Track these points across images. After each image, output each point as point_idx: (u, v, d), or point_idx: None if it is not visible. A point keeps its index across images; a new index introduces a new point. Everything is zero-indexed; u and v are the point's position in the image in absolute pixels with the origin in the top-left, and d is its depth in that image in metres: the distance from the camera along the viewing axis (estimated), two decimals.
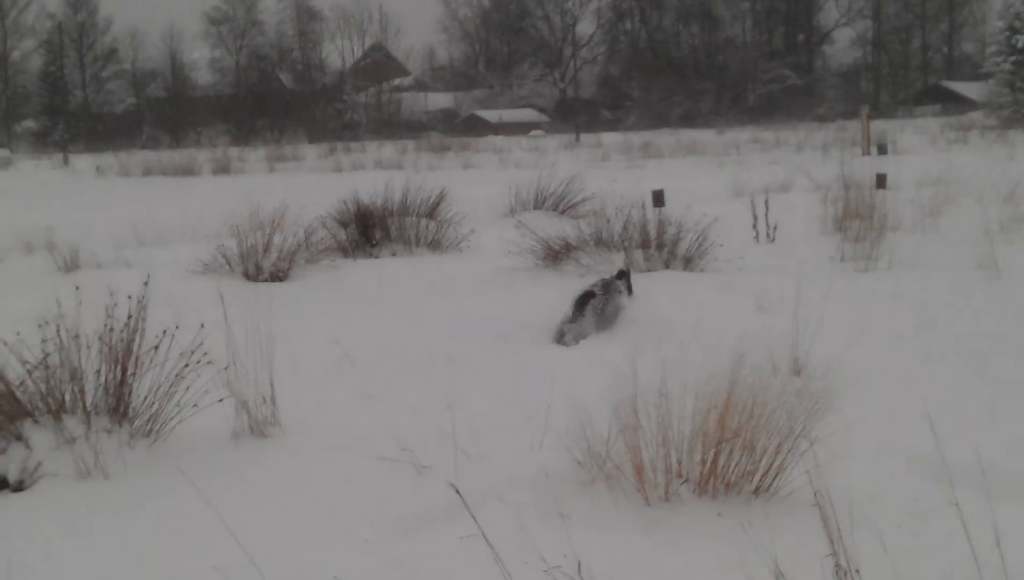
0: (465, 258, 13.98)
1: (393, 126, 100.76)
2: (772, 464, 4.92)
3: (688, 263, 12.01)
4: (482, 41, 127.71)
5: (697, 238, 12.11)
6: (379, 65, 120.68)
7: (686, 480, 4.96)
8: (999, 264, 10.93)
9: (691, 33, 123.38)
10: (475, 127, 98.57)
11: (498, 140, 67.07)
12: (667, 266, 11.89)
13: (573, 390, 5.80)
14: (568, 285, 10.70)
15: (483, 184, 24.57)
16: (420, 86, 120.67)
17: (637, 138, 61.24)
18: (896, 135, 50.31)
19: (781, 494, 4.95)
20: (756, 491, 4.95)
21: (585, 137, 69.67)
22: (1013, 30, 75.61)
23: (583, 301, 9.07)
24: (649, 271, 11.69)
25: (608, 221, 12.52)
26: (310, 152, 56.63)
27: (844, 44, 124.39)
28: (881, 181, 19.89)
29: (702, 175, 30.02)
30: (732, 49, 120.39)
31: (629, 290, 9.76)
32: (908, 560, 4.24)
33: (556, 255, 12.33)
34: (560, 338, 8.76)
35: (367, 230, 14.60)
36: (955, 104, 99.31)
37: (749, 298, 9.72)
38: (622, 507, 4.89)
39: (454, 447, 5.58)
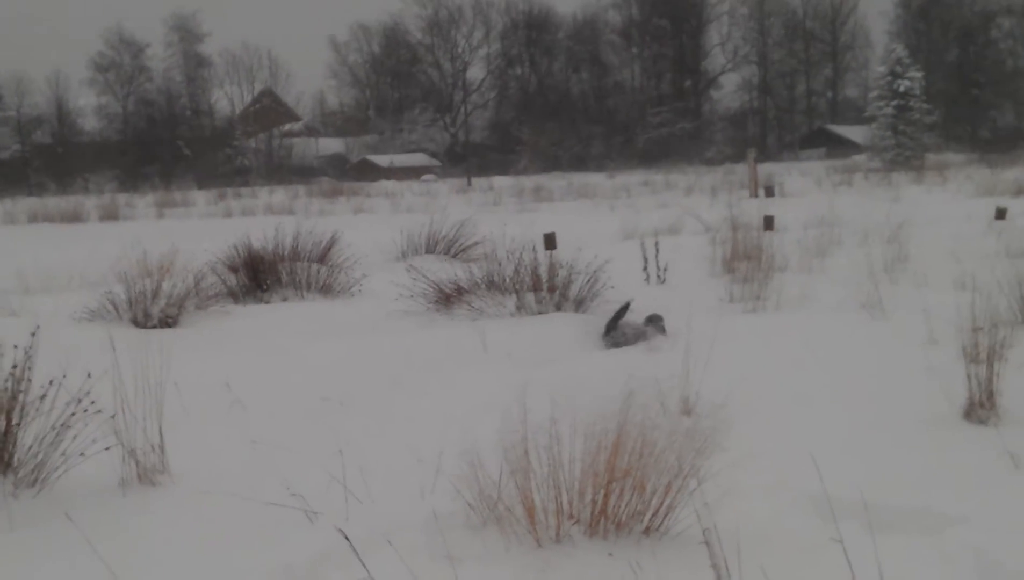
0: (357, 303, 13.91)
1: (284, 171, 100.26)
2: (662, 503, 4.95)
3: (580, 305, 12.06)
4: (372, 86, 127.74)
5: (588, 280, 12.18)
6: (269, 111, 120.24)
7: (577, 521, 4.97)
8: (883, 304, 11.12)
9: (581, 79, 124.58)
10: (367, 172, 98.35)
11: (390, 184, 67.21)
12: (559, 308, 11.93)
13: (466, 432, 5.78)
14: (459, 329, 10.73)
15: (375, 228, 24.48)
16: (311, 131, 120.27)
17: (529, 182, 61.56)
18: (783, 178, 51.15)
19: (671, 533, 4.99)
20: (647, 531, 4.98)
21: (477, 181, 69.98)
22: (895, 75, 77.16)
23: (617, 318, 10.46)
24: (541, 313, 11.74)
25: (499, 264, 12.56)
26: (200, 198, 56.25)
27: (731, 89, 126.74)
28: (768, 223, 20.25)
29: (593, 218, 30.25)
30: (621, 94, 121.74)
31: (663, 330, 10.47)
32: None
33: (448, 299, 12.33)
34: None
35: (257, 275, 14.49)
36: (840, 147, 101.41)
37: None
38: (514, 549, 4.89)
39: (345, 492, 5.55)
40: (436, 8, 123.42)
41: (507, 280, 12.32)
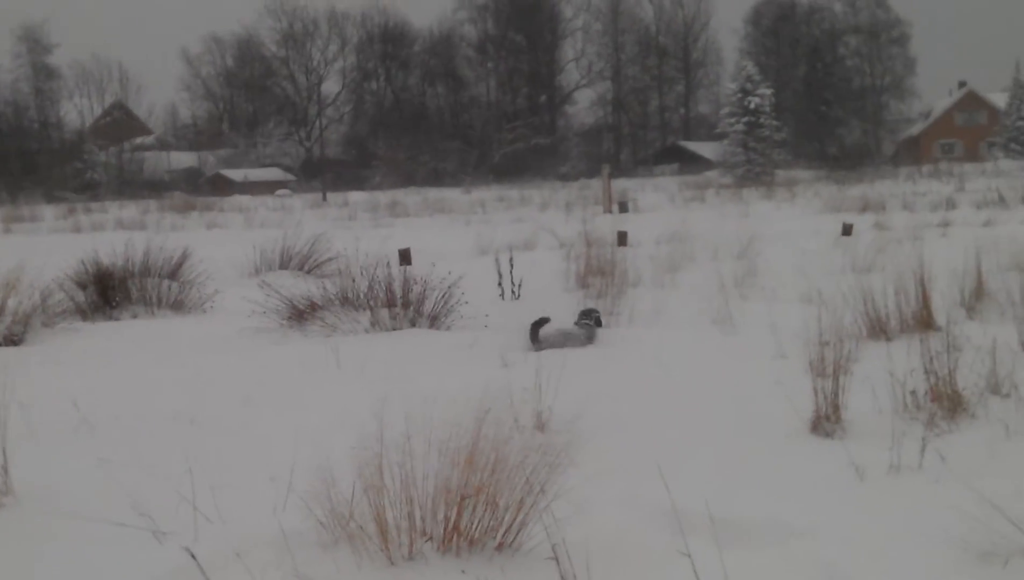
0: (209, 319, 13.76)
1: (136, 185, 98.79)
2: (515, 520, 4.96)
3: (434, 321, 12.06)
4: (226, 100, 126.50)
5: (443, 296, 12.17)
6: (120, 124, 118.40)
7: (430, 538, 4.95)
8: (734, 318, 11.30)
9: (437, 93, 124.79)
10: (220, 186, 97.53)
11: (244, 199, 66.62)
12: (413, 324, 11.92)
13: (318, 449, 5.73)
14: (313, 346, 10.65)
15: (228, 244, 24.23)
16: (163, 145, 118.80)
17: (384, 197, 61.49)
18: (637, 193, 51.79)
19: (524, 549, 4.99)
20: (499, 547, 4.98)
21: (332, 196, 69.71)
22: (745, 92, 78.77)
23: (536, 328, 10.69)
24: (395, 330, 11.71)
25: (353, 280, 12.50)
26: (49, 212, 55.06)
27: (586, 104, 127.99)
28: (622, 238, 20.49)
29: (449, 233, 30.29)
30: (477, 109, 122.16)
31: (599, 323, 11.05)
32: None
33: (301, 315, 12.23)
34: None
35: (106, 292, 14.24)
36: (693, 163, 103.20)
37: (494, 354, 9.82)
38: (366, 567, 4.85)
39: (194, 511, 5.47)
40: (291, 21, 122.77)
41: (361, 296, 12.26)
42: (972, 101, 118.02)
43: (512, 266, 14.72)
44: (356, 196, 67.28)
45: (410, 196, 63.97)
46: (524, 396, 7.13)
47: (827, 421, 7.02)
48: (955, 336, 7.97)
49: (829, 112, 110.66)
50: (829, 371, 7.18)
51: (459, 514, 4.92)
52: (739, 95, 79.81)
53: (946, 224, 24.48)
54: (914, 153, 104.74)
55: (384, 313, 11.97)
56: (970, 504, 5.15)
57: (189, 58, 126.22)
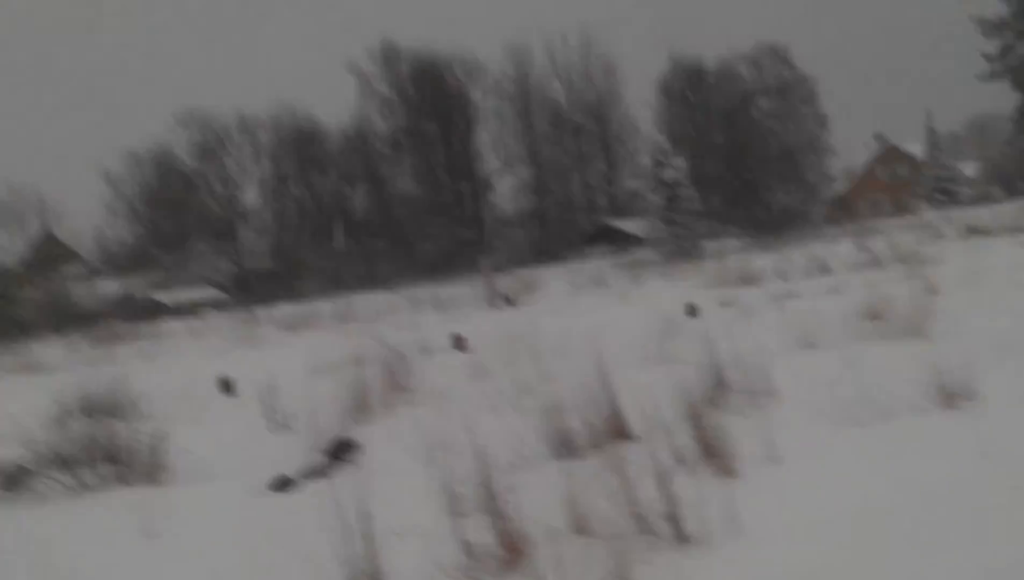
0: None
1: (65, 317, 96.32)
2: None
3: None
4: (151, 219, 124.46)
5: None
6: (51, 255, 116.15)
7: None
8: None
9: (357, 193, 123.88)
10: (151, 311, 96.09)
11: (173, 324, 64.62)
12: None
13: None
14: None
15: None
16: (92, 272, 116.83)
17: (297, 309, 59.76)
18: (551, 280, 50.88)
19: None
20: None
21: (262, 310, 67.91)
22: (659, 164, 77.85)
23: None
24: None
25: None
26: None
27: (508, 192, 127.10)
28: (459, 344, 19.49)
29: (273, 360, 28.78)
30: (400, 205, 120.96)
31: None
32: None
33: None
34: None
35: None
36: (624, 242, 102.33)
37: None
38: None
39: None
40: (202, 130, 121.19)
41: None
42: (892, 154, 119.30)
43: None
44: (284, 309, 64.94)
45: (325, 305, 61.78)
46: None
47: None
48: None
49: (752, 177, 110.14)
50: None
51: None
52: (654, 169, 79.09)
53: (790, 296, 23.41)
54: (845, 212, 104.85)
55: None
56: None
57: (111, 179, 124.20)
